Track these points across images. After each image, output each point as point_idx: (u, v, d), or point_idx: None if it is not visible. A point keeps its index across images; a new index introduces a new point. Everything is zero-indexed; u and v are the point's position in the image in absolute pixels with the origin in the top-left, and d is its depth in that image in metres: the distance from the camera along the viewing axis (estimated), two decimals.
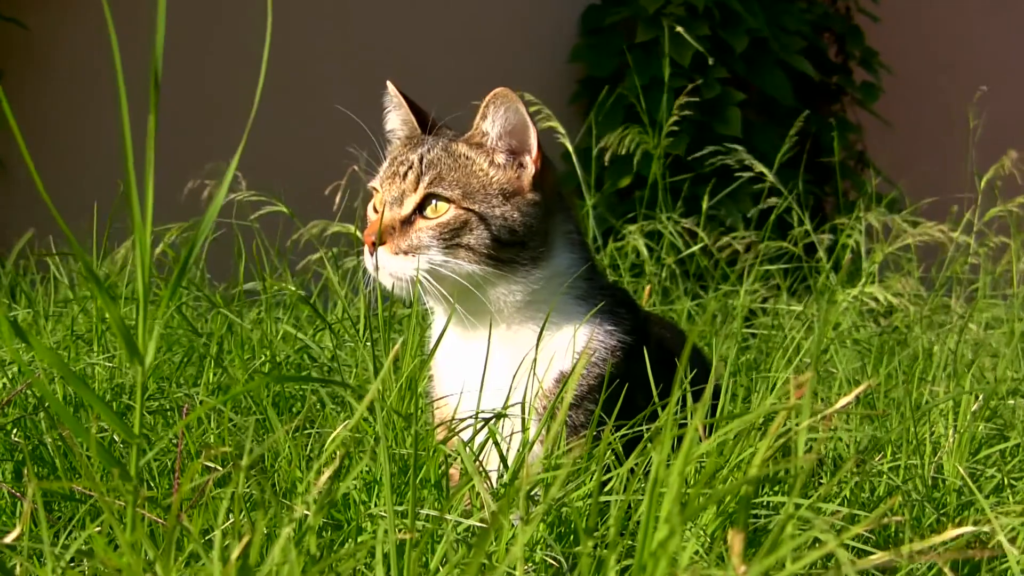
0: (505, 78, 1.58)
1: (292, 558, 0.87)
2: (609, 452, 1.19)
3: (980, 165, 3.08)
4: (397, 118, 1.57)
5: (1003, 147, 3.08)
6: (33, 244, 2.22)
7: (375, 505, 1.24)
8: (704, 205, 3.10)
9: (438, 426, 1.38)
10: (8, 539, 0.97)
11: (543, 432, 1.30)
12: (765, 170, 2.94)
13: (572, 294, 1.45)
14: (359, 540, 1.15)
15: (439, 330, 1.43)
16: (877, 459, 1.50)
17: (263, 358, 1.89)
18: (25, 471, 1.35)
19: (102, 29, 2.85)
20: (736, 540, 0.82)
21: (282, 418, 1.62)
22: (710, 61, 3.85)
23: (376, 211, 1.47)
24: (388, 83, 1.57)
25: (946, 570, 0.94)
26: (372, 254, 1.42)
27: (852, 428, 1.66)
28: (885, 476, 1.42)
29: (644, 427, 1.27)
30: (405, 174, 1.45)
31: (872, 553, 0.97)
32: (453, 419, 1.34)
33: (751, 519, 1.21)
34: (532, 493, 1.18)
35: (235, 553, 0.85)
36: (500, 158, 1.45)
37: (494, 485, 1.27)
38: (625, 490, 1.15)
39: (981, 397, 1.62)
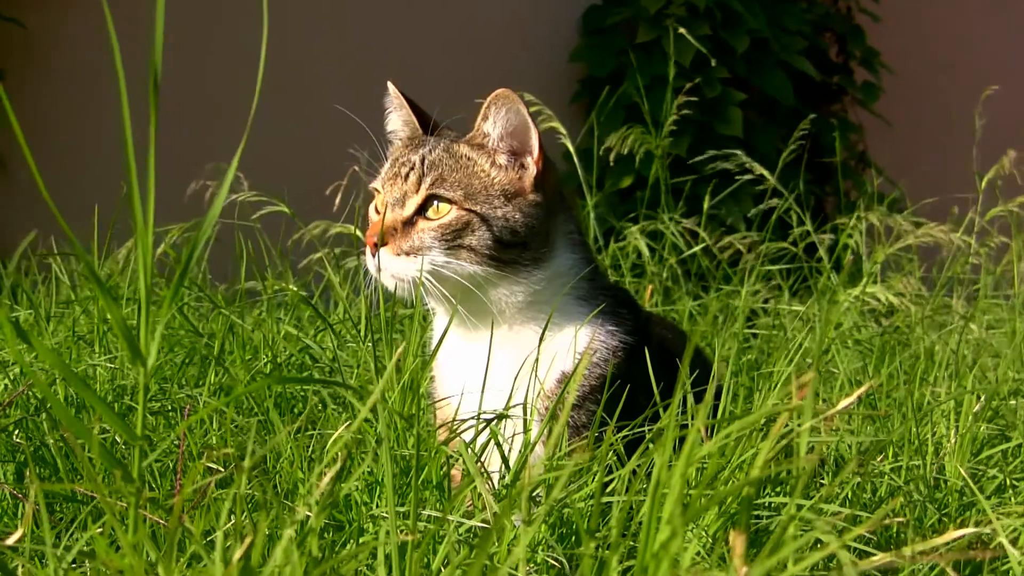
0: (505, 79, 1.57)
1: (294, 559, 0.87)
2: (611, 453, 1.19)
3: (980, 165, 3.08)
4: (398, 119, 1.57)
5: (1003, 147, 3.08)
6: (35, 245, 2.22)
7: (377, 506, 1.24)
8: (705, 205, 3.10)
9: (440, 427, 1.38)
10: (10, 540, 0.98)
11: (545, 433, 1.30)
12: (766, 173, 2.94)
13: (574, 294, 1.45)
14: (361, 541, 1.16)
15: (440, 331, 1.43)
16: (879, 460, 1.50)
17: (265, 359, 1.89)
18: (27, 472, 1.36)
19: (102, 29, 2.86)
20: (738, 541, 0.82)
21: (284, 419, 1.62)
22: (712, 61, 3.85)
23: (378, 212, 1.47)
24: (389, 84, 1.57)
25: (948, 571, 0.94)
26: (374, 255, 1.42)
27: (854, 428, 1.66)
28: (887, 477, 1.42)
29: (646, 428, 1.27)
30: (407, 175, 1.44)
31: (874, 554, 0.97)
32: (455, 420, 1.34)
33: (753, 520, 1.21)
34: (534, 494, 1.18)
35: (237, 554, 0.85)
36: (502, 159, 1.45)
37: (496, 486, 1.27)
38: (627, 491, 1.15)
39: (983, 398, 1.62)
